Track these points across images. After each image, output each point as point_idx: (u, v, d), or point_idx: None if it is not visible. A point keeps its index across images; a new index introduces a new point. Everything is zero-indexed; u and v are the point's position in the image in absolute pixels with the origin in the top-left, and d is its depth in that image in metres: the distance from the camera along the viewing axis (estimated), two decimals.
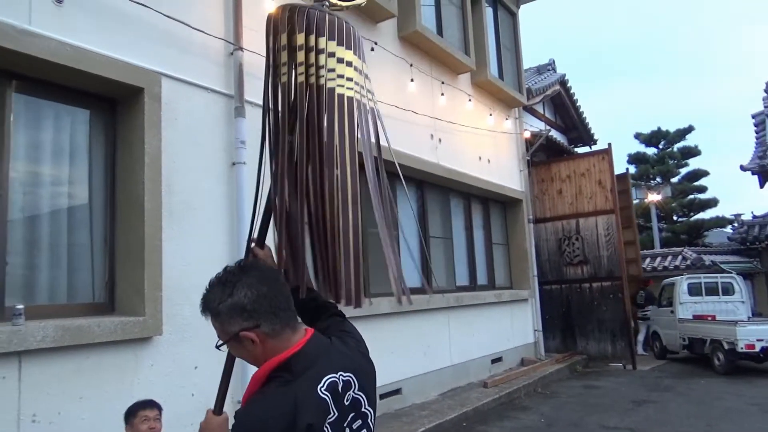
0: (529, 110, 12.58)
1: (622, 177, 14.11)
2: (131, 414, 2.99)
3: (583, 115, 15.67)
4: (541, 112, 14.00)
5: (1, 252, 3.54)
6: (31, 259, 3.79)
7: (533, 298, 10.60)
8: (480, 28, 9.45)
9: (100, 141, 4.24)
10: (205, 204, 4.52)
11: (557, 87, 13.90)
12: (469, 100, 8.87)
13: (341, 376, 1.28)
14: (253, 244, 1.76)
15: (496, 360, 9.04)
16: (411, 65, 7.50)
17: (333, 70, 1.68)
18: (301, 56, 1.70)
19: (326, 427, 1.20)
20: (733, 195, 50.32)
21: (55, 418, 3.41)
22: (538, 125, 12.89)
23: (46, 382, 3.39)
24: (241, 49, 4.87)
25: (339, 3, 1.98)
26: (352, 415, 1.28)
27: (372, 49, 6.66)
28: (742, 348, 9.02)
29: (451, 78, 8.57)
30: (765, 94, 18.13)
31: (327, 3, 1.86)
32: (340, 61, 1.70)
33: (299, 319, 1.36)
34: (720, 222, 23.15)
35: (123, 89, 4.11)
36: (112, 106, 4.30)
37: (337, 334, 1.45)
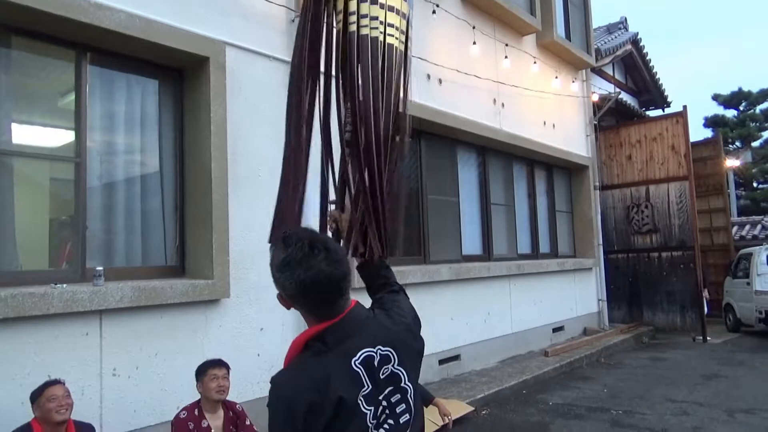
0: (598, 72, 12.02)
1: (713, 141, 13.37)
2: (201, 372, 3.16)
3: (657, 77, 14.84)
4: (611, 73, 13.36)
5: (82, 217, 3.76)
6: (108, 224, 4.02)
7: (597, 267, 10.32)
8: None
9: (169, 110, 4.39)
10: (270, 171, 4.61)
11: (629, 47, 13.19)
12: (534, 62, 8.56)
13: (379, 350, 1.28)
14: (333, 207, 1.79)
15: (558, 329, 8.91)
16: (474, 27, 7.28)
17: (376, 17, 1.68)
18: (342, 5, 1.70)
19: (360, 399, 1.21)
20: None
21: (133, 372, 3.64)
22: (608, 88, 12.31)
23: (124, 338, 3.62)
24: None
25: None
26: (389, 389, 1.28)
27: (433, 12, 6.50)
28: None
29: (516, 40, 8.28)
30: None
31: None
32: (383, 6, 1.69)
33: (349, 297, 1.34)
34: None
35: (189, 59, 4.21)
36: (180, 75, 4.43)
37: (386, 308, 1.45)
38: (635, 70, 14.46)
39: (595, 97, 10.55)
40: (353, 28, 1.71)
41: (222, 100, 4.28)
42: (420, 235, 6.59)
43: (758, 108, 23.51)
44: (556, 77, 9.18)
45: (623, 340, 9.25)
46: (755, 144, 23.03)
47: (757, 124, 23.23)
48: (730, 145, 22.97)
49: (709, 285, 11.89)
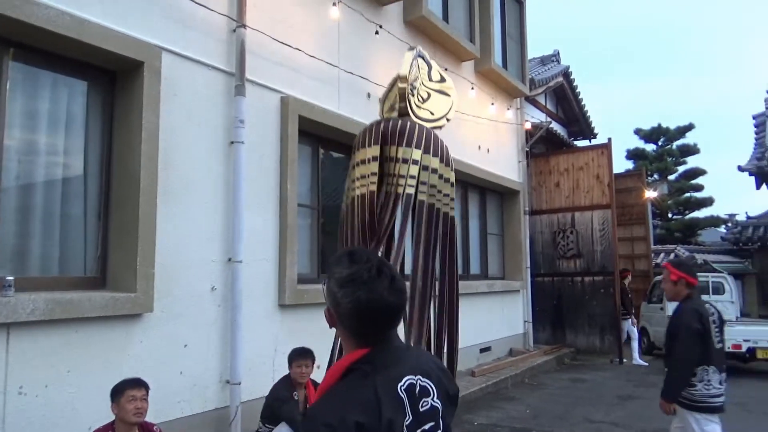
0: (531, 101, 12.51)
1: (637, 174, 14.13)
2: (118, 392, 2.99)
3: (585, 109, 15.61)
4: (543, 103, 13.93)
5: None
6: (22, 229, 3.76)
7: (525, 290, 10.63)
8: (486, 16, 9.34)
9: (98, 113, 4.18)
10: (202, 182, 4.49)
11: (560, 79, 13.81)
12: (472, 88, 8.80)
13: (419, 380, 1.23)
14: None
15: (485, 349, 9.08)
16: None
17: (414, 177, 1.96)
18: (387, 167, 2.00)
19: (404, 429, 1.16)
20: (729, 194, 50.44)
21: (41, 390, 3.40)
22: (540, 116, 12.82)
23: (33, 354, 3.38)
24: (244, 26, 4.80)
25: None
26: (430, 424, 1.22)
27: (376, 33, 6.58)
28: (728, 348, 9.09)
29: (455, 65, 8.49)
30: (767, 95, 18.09)
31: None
32: (425, 168, 1.99)
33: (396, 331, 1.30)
34: (714, 221, 23.21)
35: (123, 62, 4.05)
36: (111, 78, 4.24)
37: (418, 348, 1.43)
38: (566, 101, 15.15)
39: (528, 125, 10.95)
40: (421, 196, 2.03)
41: (155, 106, 4.13)
42: None
43: (675, 144, 25.13)
44: (492, 104, 9.48)
45: (546, 361, 9.55)
46: (671, 177, 24.55)
47: (674, 158, 24.81)
48: (649, 177, 24.37)
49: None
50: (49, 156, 3.95)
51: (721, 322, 3.63)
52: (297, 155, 5.37)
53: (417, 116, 2.19)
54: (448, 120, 2.29)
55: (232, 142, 4.70)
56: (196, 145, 4.46)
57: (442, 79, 2.30)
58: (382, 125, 2.00)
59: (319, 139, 5.99)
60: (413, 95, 2.15)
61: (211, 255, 4.50)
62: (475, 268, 9.54)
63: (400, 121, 2.03)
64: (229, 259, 4.60)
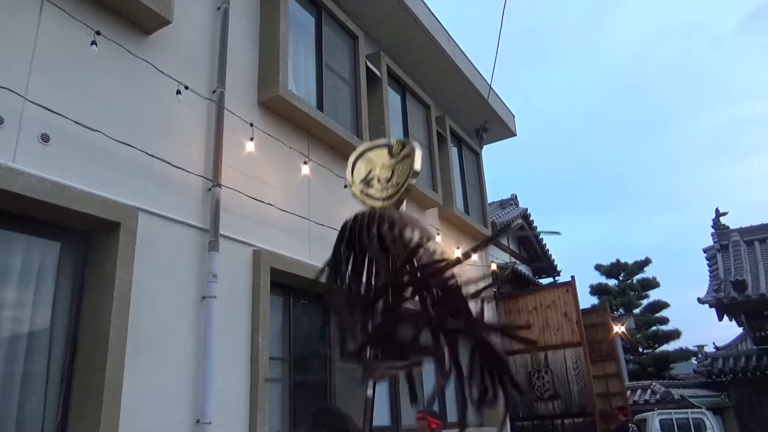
0: (495, 243, 12.97)
1: (602, 309, 14.35)
2: None
3: (546, 247, 16.21)
4: (506, 244, 14.44)
5: None
6: None
7: None
8: (446, 167, 9.99)
9: (69, 272, 4.18)
10: (172, 339, 4.40)
11: (520, 221, 14.50)
12: (438, 233, 9.14)
13: None
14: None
15: None
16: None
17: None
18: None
19: None
20: (695, 326, 51.16)
21: None
22: (504, 257, 13.23)
23: None
24: (219, 185, 5.03)
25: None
26: None
27: (345, 186, 6.93)
28: None
29: (420, 213, 8.89)
30: (713, 230, 19.19)
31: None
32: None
33: None
34: (685, 354, 23.32)
35: (99, 223, 4.14)
36: (85, 238, 4.30)
37: None
38: (527, 241, 15.75)
39: (493, 266, 11.26)
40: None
41: (129, 265, 4.16)
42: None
43: (635, 278, 25.91)
44: (458, 247, 9.80)
45: None
46: (636, 311, 24.98)
47: (636, 292, 25.43)
48: (615, 312, 24.72)
49: None
50: (16, 311, 3.85)
51: None
52: (269, 307, 5.37)
53: (382, 198, 2.17)
54: (417, 173, 2.20)
55: (204, 297, 4.70)
56: (168, 302, 4.44)
57: (402, 147, 2.26)
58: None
59: (290, 290, 6.04)
60: (378, 183, 2.16)
61: (178, 416, 4.29)
62: (452, 415, 9.20)
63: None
64: (198, 421, 4.39)
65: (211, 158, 5.12)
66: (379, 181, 2.22)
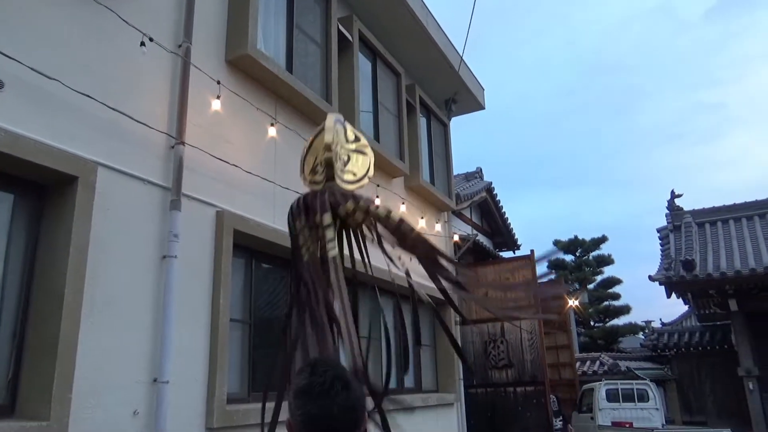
0: (458, 215, 13.11)
1: (557, 282, 14.76)
2: None
3: (508, 222, 16.47)
4: (469, 216, 14.61)
5: None
6: None
7: (459, 402, 10.50)
8: (414, 136, 9.98)
9: (22, 225, 4.04)
10: (131, 297, 4.33)
11: (484, 194, 14.65)
12: (403, 203, 9.17)
13: None
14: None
15: None
16: None
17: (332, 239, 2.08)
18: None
19: None
20: (645, 302, 53.13)
21: None
22: (466, 229, 13.40)
23: None
24: (183, 143, 4.90)
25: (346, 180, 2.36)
26: None
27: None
28: None
29: (386, 181, 8.88)
30: (667, 211, 19.81)
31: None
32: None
33: None
34: (633, 329, 24.28)
35: (56, 177, 4.00)
36: (40, 191, 4.15)
37: None
38: (490, 215, 15.97)
39: (456, 238, 11.40)
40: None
41: (86, 221, 4.05)
42: None
43: (591, 255, 26.67)
44: (422, 217, 9.86)
45: None
46: (590, 286, 25.78)
47: (591, 269, 26.22)
48: (570, 287, 25.46)
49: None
50: None
51: None
52: (230, 269, 5.32)
53: (342, 180, 2.31)
54: (369, 179, 2.42)
55: (164, 256, 4.62)
56: (127, 260, 4.35)
57: (357, 139, 2.44)
58: (308, 198, 2.19)
59: (253, 253, 5.99)
60: (337, 161, 2.27)
61: (136, 375, 4.25)
62: (409, 381, 9.40)
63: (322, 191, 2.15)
64: (155, 380, 4.36)
65: (175, 115, 4.97)
66: (339, 158, 2.37)
